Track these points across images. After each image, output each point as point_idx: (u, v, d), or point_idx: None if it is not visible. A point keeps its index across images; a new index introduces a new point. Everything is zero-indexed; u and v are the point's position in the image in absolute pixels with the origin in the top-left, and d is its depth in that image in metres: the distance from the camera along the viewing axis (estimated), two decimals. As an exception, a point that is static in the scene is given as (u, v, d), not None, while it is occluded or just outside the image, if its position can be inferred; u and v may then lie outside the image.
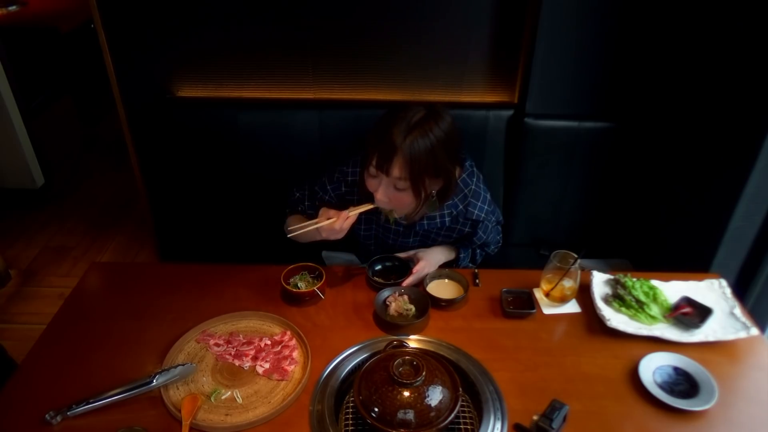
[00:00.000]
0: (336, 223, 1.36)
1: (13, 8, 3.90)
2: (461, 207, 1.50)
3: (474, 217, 1.51)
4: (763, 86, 1.46)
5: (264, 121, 1.95)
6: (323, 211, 1.40)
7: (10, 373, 1.25)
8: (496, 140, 1.94)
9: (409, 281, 1.45)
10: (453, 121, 1.35)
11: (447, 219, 1.51)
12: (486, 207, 1.53)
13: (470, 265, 1.68)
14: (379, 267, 1.54)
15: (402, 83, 1.95)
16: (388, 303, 1.39)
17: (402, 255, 1.55)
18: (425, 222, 1.52)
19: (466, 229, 1.55)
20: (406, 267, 1.51)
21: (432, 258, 1.53)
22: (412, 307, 1.38)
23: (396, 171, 1.29)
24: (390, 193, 1.35)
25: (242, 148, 1.97)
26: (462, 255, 1.61)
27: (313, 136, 1.94)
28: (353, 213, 1.38)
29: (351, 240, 1.69)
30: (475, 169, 1.53)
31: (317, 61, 1.96)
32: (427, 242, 1.59)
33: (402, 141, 1.27)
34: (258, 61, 1.97)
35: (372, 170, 1.33)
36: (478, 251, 1.66)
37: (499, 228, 1.70)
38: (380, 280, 1.48)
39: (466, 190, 1.49)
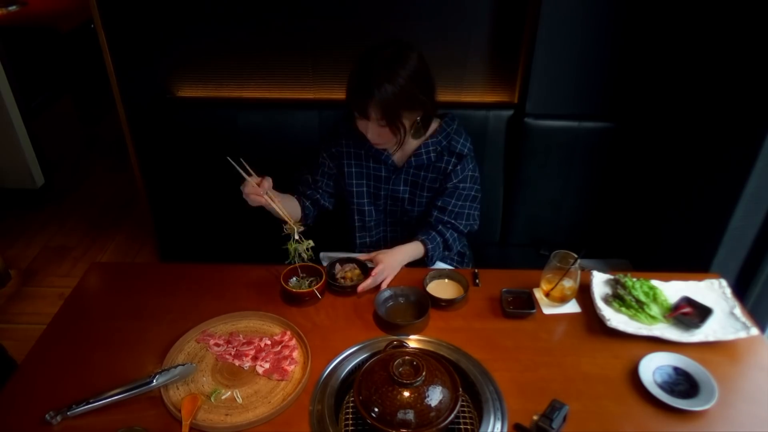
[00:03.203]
0: (246, 187, 1.37)
1: (13, 8, 3.90)
2: (445, 143, 1.59)
3: (458, 150, 1.59)
4: (763, 86, 1.46)
5: (264, 121, 1.95)
6: (254, 177, 1.40)
7: (10, 372, 1.25)
8: (496, 140, 1.94)
9: (365, 285, 1.43)
10: (420, 55, 1.43)
11: (432, 155, 1.59)
12: (469, 145, 1.62)
13: (446, 253, 1.66)
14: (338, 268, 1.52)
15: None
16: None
17: (362, 257, 1.53)
18: (412, 159, 1.59)
19: (450, 168, 1.60)
20: (366, 269, 1.49)
21: (392, 260, 1.50)
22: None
23: (373, 114, 1.41)
24: (376, 130, 1.46)
25: (242, 148, 1.97)
26: (430, 246, 1.59)
27: (313, 136, 1.94)
28: (266, 199, 1.40)
29: (347, 237, 1.71)
30: (457, 122, 1.62)
31: (317, 61, 1.96)
32: (417, 190, 1.64)
33: (372, 88, 1.37)
34: (258, 61, 1.98)
35: (356, 113, 1.45)
36: (448, 234, 1.63)
37: (478, 206, 1.68)
38: (337, 283, 1.45)
39: (448, 129, 1.60)
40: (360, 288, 1.43)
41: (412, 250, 1.58)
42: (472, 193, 1.65)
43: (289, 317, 1.37)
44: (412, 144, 1.60)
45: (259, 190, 1.38)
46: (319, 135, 1.94)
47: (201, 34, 1.94)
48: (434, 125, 1.59)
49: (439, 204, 1.63)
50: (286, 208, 1.47)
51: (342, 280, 1.46)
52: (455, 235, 1.66)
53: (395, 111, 1.40)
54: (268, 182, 1.40)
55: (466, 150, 1.61)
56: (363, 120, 1.45)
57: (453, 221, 1.64)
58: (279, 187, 1.82)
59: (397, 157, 1.63)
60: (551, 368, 1.24)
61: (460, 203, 1.63)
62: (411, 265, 1.60)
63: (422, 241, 1.59)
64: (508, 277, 1.50)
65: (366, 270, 1.50)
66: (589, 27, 1.77)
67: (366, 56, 1.42)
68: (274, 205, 1.42)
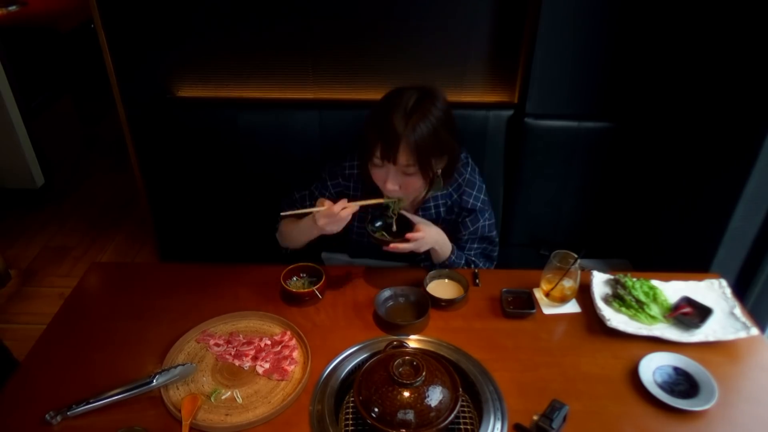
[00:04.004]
0: (334, 207, 1.32)
1: (13, 8, 3.90)
2: (455, 196, 1.51)
3: (469, 207, 1.51)
4: (763, 86, 1.46)
5: (264, 121, 1.95)
6: (320, 201, 1.38)
7: (11, 371, 1.25)
8: (496, 140, 1.94)
9: (398, 246, 1.37)
10: (446, 98, 1.36)
11: (442, 209, 1.51)
12: (482, 196, 1.53)
13: (464, 266, 1.64)
14: (379, 224, 1.47)
15: (402, 83, 1.95)
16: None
17: (407, 215, 1.46)
18: (420, 213, 1.52)
19: (460, 220, 1.54)
20: (406, 227, 1.43)
21: (430, 236, 1.43)
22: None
23: (403, 159, 1.30)
24: (399, 181, 1.35)
25: (242, 148, 1.97)
26: (453, 257, 1.54)
27: (313, 136, 1.94)
28: (355, 203, 1.36)
29: (346, 239, 1.70)
30: (470, 160, 1.54)
31: (317, 61, 1.96)
32: None
33: (404, 128, 1.28)
34: (258, 61, 1.97)
35: (377, 161, 1.33)
36: (480, 262, 1.60)
37: (494, 230, 1.61)
38: (375, 234, 1.41)
39: (460, 180, 1.50)
40: (392, 246, 1.37)
41: (445, 243, 1.50)
42: (486, 231, 1.57)
43: (289, 317, 1.37)
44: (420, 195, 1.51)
45: (345, 203, 1.33)
46: (319, 135, 1.94)
47: (201, 34, 1.93)
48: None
49: (465, 246, 1.57)
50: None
51: (381, 234, 1.41)
52: (485, 261, 1.63)
53: (427, 155, 1.30)
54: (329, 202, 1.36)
55: (479, 203, 1.52)
56: (384, 167, 1.33)
57: (482, 256, 1.61)
58: (280, 187, 1.83)
59: (404, 206, 1.51)
60: (551, 368, 1.24)
61: (483, 246, 1.59)
62: (411, 265, 1.61)
63: (452, 249, 1.53)
64: (508, 277, 1.50)
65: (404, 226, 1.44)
66: (589, 27, 1.77)
67: (392, 97, 1.33)
68: (362, 203, 1.38)
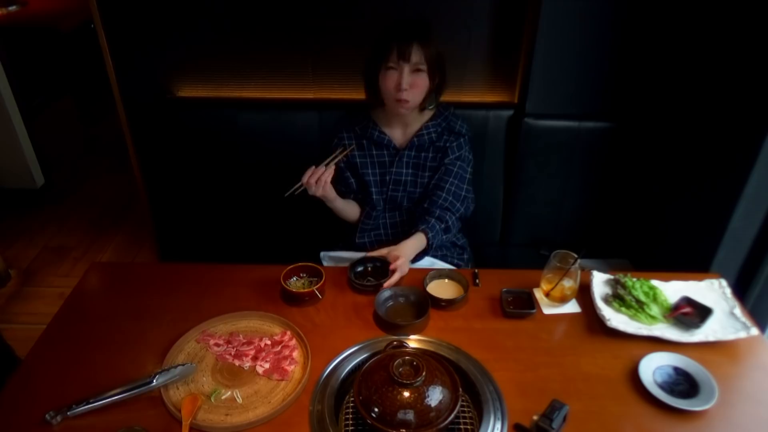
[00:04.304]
0: (303, 177, 1.52)
1: (13, 8, 3.91)
2: (444, 124, 1.70)
3: (456, 130, 1.70)
4: (763, 86, 1.46)
5: (264, 121, 1.95)
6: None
7: (13, 369, 1.25)
8: (496, 140, 1.94)
9: (391, 282, 1.44)
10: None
11: (434, 135, 1.68)
12: (466, 126, 1.73)
13: (444, 237, 1.67)
14: (360, 269, 1.53)
15: (402, 83, 1.96)
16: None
17: (375, 253, 1.54)
18: (414, 140, 1.68)
19: (447, 145, 1.68)
20: (387, 266, 1.50)
21: (405, 252, 1.54)
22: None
23: (416, 56, 1.51)
24: (410, 80, 1.53)
25: (242, 148, 1.97)
26: (431, 234, 1.61)
27: (313, 136, 1.94)
28: (321, 165, 1.54)
29: (348, 235, 1.72)
30: (459, 115, 1.73)
31: (317, 61, 1.96)
32: (419, 171, 1.70)
33: (414, 31, 1.52)
34: (258, 61, 1.98)
35: (392, 64, 1.53)
36: (447, 216, 1.66)
37: (471, 188, 1.74)
38: (362, 283, 1.46)
39: (446, 113, 1.72)
40: (387, 284, 1.44)
41: (417, 243, 1.60)
42: (467, 175, 1.72)
43: (289, 317, 1.37)
44: (413, 126, 1.69)
45: (312, 170, 1.53)
46: (319, 135, 1.94)
47: (201, 34, 1.94)
48: (431, 111, 1.69)
49: (435, 183, 1.68)
50: (349, 208, 1.75)
51: (367, 280, 1.48)
52: (453, 218, 1.69)
53: (433, 56, 1.52)
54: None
55: (464, 130, 1.71)
56: (398, 68, 1.51)
57: (451, 198, 1.67)
58: (280, 187, 1.83)
59: (399, 140, 1.71)
60: (551, 368, 1.24)
61: (456, 182, 1.68)
62: (411, 264, 1.61)
63: (423, 231, 1.62)
64: (508, 277, 1.50)
65: (385, 266, 1.50)
66: (589, 27, 1.77)
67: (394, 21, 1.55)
68: (327, 162, 1.57)
